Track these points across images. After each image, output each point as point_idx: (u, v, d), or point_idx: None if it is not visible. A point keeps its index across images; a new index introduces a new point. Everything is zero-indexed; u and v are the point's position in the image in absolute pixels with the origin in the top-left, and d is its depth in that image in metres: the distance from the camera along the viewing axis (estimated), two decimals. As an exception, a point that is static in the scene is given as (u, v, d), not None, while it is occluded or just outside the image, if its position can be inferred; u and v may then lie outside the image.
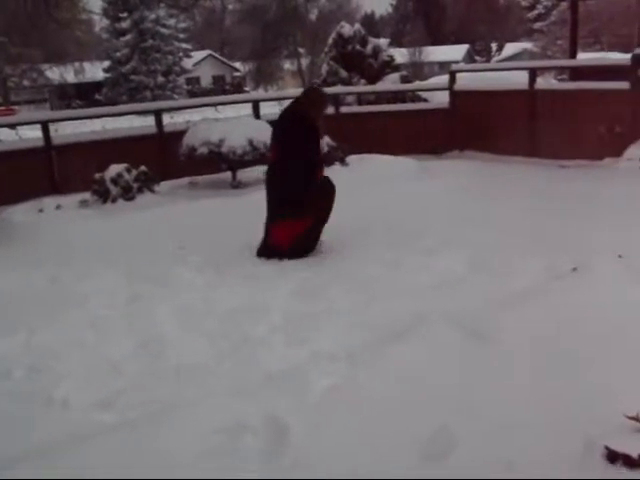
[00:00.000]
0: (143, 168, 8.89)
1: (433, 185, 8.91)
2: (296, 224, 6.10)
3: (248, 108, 11.98)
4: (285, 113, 6.52)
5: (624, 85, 10.05)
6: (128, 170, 8.72)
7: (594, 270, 5.01)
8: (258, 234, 6.37)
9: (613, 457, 2.81)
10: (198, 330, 4.56)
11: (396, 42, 51.95)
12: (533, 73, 11.25)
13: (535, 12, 48.37)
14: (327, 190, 6.28)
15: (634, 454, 2.78)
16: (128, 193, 8.61)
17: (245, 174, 9.93)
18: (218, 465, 3.02)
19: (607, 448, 2.84)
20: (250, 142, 9.35)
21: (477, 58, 53.79)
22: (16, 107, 40.71)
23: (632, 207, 7.16)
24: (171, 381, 3.88)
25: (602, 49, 30.31)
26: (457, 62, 39.80)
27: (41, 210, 8.27)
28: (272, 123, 6.74)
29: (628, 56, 10.63)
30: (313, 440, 3.16)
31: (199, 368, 4.00)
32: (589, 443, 2.91)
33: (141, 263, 6.22)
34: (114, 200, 8.52)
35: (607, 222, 6.54)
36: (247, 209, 7.96)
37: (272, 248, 6.16)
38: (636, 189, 7.99)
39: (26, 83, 41.25)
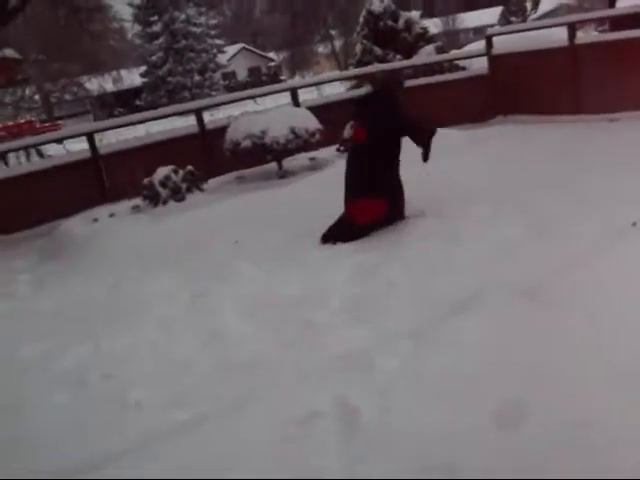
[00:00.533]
0: (189, 168, 8.98)
1: (480, 153, 8.76)
2: (379, 203, 6.26)
3: (287, 97, 11.96)
4: (372, 97, 6.76)
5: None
6: (175, 171, 8.82)
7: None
8: (309, 221, 6.38)
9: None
10: (262, 321, 4.61)
11: (428, 13, 51.18)
12: (572, 28, 10.95)
13: (568, -36, 47.10)
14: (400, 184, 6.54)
15: None
16: (177, 194, 8.71)
17: (290, 163, 9.94)
18: (295, 452, 3.05)
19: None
20: (292, 130, 9.36)
21: (512, 19, 52.64)
22: (60, 122, 41.57)
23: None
24: (239, 374, 3.92)
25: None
26: (492, 26, 39.03)
27: (96, 220, 8.43)
28: (357, 103, 6.93)
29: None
30: (384, 422, 3.16)
31: (266, 358, 4.05)
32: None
33: (199, 261, 6.30)
34: (165, 202, 8.62)
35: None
36: (296, 198, 8.01)
37: (350, 223, 6.26)
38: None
39: (67, 97, 41.96)
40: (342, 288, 4.95)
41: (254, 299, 5.06)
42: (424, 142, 6.37)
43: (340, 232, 6.24)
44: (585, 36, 14.05)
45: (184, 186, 8.81)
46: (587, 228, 5.15)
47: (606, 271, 4.27)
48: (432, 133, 6.45)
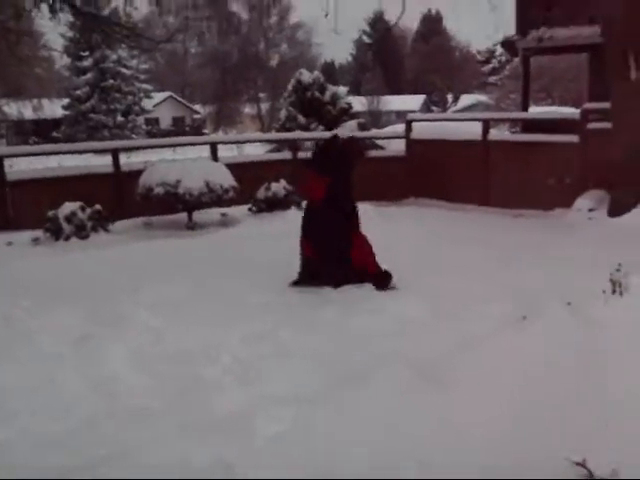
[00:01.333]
0: (97, 207, 8.84)
1: (390, 231, 8.98)
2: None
3: (206, 150, 12.01)
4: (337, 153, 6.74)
5: (574, 138, 10.39)
6: (82, 208, 8.66)
7: (543, 317, 5.10)
8: (213, 272, 6.33)
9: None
10: (151, 372, 4.50)
11: (355, 90, 52.84)
12: (486, 124, 11.56)
13: (490, 66, 49.78)
14: None
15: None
16: (82, 232, 8.54)
17: (200, 216, 9.92)
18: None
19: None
20: (207, 184, 9.39)
21: (434, 108, 54.93)
22: (-30, 143, 40.10)
23: (581, 255, 7.31)
24: (120, 424, 3.80)
25: (553, 103, 31.27)
26: (414, 112, 40.54)
27: (-9, 247, 8.14)
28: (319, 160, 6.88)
29: (578, 111, 11.00)
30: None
31: (149, 411, 3.95)
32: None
33: (95, 302, 6.11)
34: (67, 238, 8.43)
35: (556, 270, 6.68)
36: (201, 250, 7.97)
37: (356, 271, 6.38)
38: (585, 238, 8.19)
39: (-19, 119, 40.74)
40: (236, 346, 4.90)
41: (146, 348, 4.93)
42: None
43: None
44: (498, 134, 14.79)
45: (90, 224, 8.66)
46: (483, 314, 5.32)
47: (492, 356, 4.42)
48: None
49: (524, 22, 12.73)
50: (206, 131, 50.51)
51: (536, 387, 3.99)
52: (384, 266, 6.53)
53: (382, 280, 6.42)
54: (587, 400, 3.78)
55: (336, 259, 6.42)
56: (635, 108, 9.65)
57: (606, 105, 10.05)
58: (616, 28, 9.57)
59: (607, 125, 9.97)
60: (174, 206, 9.71)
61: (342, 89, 20.79)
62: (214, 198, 9.48)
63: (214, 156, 11.65)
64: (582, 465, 3.04)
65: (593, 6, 10.02)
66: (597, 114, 10.53)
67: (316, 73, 19.65)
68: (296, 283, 6.53)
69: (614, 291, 5.57)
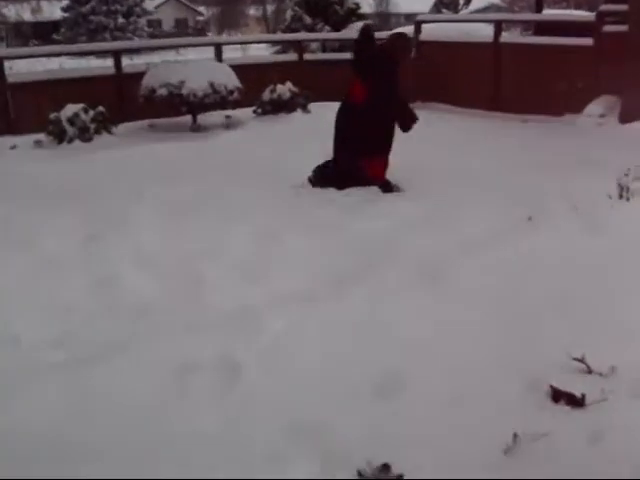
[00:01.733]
0: (101, 109, 8.72)
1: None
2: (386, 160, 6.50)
3: (211, 52, 11.74)
4: (374, 55, 6.55)
5: (588, 42, 10.08)
6: (85, 110, 8.55)
7: (549, 219, 5.10)
8: (216, 174, 6.29)
9: (557, 396, 2.89)
10: (156, 270, 4.53)
11: (363, -9, 51.20)
12: (498, 26, 11.22)
13: (504, -34, 48.03)
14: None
15: (578, 394, 2.87)
16: (85, 134, 8.45)
17: (205, 118, 9.80)
18: (169, 404, 3.03)
19: (552, 387, 2.93)
20: (211, 85, 9.22)
21: (444, 11, 53.31)
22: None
23: (589, 160, 7.21)
24: (124, 320, 3.85)
25: (569, 7, 30.33)
26: (424, 14, 39.37)
27: (-5, 149, 8.09)
28: (358, 62, 6.65)
29: (593, 14, 10.66)
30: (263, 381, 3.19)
31: (153, 307, 3.99)
32: (534, 382, 2.99)
33: (99, 204, 6.11)
34: (70, 141, 8.35)
35: (565, 174, 6.61)
36: (206, 153, 7.92)
37: (369, 181, 6.34)
38: (594, 144, 8.07)
39: (-19, 20, 39.80)
40: (240, 246, 4.91)
41: (149, 247, 4.95)
42: (408, 128, 6.49)
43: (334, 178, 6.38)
44: (510, 36, 14.40)
45: (93, 127, 8.57)
46: (488, 217, 5.32)
47: (493, 256, 4.45)
48: (415, 121, 6.53)
49: None
50: (210, 34, 49.36)
51: (535, 286, 4.02)
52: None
53: (388, 185, 6.39)
54: (589, 298, 3.82)
55: (354, 167, 6.40)
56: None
57: (624, 7, 9.71)
58: None
59: (624, 28, 9.67)
60: (178, 108, 9.56)
61: (350, -11, 20.06)
62: (218, 99, 9.32)
63: (218, 57, 11.40)
64: (581, 361, 3.08)
65: None
66: (614, 16, 10.18)
67: (322, -28, 18.98)
68: (309, 182, 6.52)
69: (621, 196, 5.55)
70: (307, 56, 12.37)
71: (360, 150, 6.40)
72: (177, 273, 4.49)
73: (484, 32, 11.54)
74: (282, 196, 6.21)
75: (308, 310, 3.79)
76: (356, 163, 6.41)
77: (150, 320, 3.82)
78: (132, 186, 6.63)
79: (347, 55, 12.78)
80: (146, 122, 9.88)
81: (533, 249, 4.58)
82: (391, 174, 6.57)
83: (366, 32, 6.74)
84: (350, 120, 6.51)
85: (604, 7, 10.55)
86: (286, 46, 16.85)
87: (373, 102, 6.33)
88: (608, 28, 10.06)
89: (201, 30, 50.24)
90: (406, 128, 6.49)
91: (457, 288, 4.02)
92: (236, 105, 9.83)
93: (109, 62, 10.91)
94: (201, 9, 56.51)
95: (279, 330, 3.60)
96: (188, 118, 9.73)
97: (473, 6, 51.60)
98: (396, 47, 6.69)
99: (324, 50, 14.74)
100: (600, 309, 3.68)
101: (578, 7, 29.02)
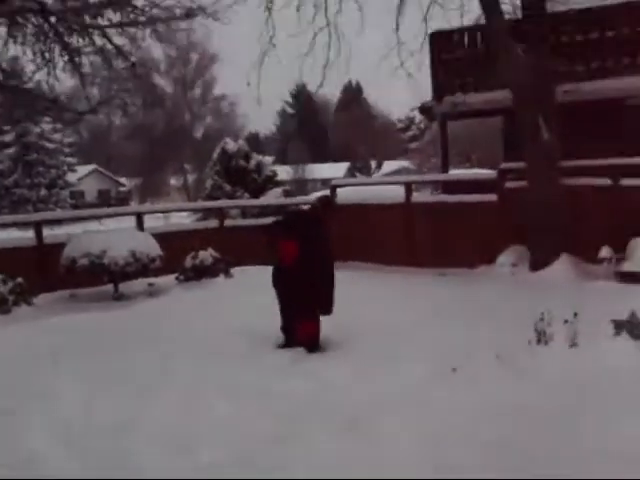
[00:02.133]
0: (19, 280, 8.61)
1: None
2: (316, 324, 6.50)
3: (133, 221, 11.90)
4: (304, 215, 7.11)
5: (492, 197, 10.76)
6: (4, 281, 8.42)
7: (473, 369, 5.20)
8: (135, 343, 6.18)
9: None
10: (78, 447, 4.33)
11: (280, 160, 53.53)
12: (409, 187, 11.86)
13: (410, 133, 51.28)
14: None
15: None
16: (3, 306, 8.28)
17: (128, 286, 9.76)
18: None
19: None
20: (133, 253, 9.28)
21: (358, 175, 55.97)
22: None
23: (507, 308, 7.46)
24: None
25: (472, 166, 32.36)
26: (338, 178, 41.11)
27: None
28: (285, 224, 6.92)
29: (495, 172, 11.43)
30: None
31: None
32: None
33: (13, 377, 5.87)
34: (-13, 314, 8.16)
35: (485, 323, 6.80)
36: (124, 321, 7.82)
37: (298, 344, 6.36)
38: (508, 293, 8.40)
39: None
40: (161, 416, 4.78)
41: (69, 421, 4.75)
42: (327, 312, 6.53)
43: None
44: (420, 196, 15.18)
45: (11, 298, 8.41)
46: (414, 370, 5.37)
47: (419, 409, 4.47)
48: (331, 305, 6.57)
49: (439, 88, 13.20)
50: (132, 203, 50.08)
51: (455, 443, 4.03)
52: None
53: (312, 345, 6.44)
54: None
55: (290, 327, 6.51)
56: (547, 167, 10.11)
57: (521, 164, 10.48)
58: (526, 94, 10.07)
59: (523, 183, 10.39)
60: (100, 277, 9.54)
61: (268, 158, 21.11)
62: (140, 267, 9.36)
63: (140, 226, 11.56)
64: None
65: (503, 73, 10.52)
66: (513, 173, 10.96)
67: (240, 142, 19.92)
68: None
69: (539, 340, 5.74)
70: (228, 222, 12.68)
71: (293, 311, 6.51)
72: (100, 448, 4.30)
73: (398, 193, 12.12)
74: (206, 360, 6.12)
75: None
76: (291, 324, 6.52)
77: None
78: (48, 358, 6.40)
79: (269, 220, 13.24)
80: (67, 292, 9.77)
81: (455, 402, 4.63)
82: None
83: (325, 201, 7.21)
84: (282, 282, 6.59)
85: (504, 165, 11.37)
86: (207, 213, 17.25)
87: (302, 264, 6.41)
88: (510, 184, 10.80)
89: (124, 200, 50.98)
90: (325, 311, 6.53)
91: (377, 448, 3.99)
92: (159, 273, 9.88)
93: (30, 233, 10.89)
94: (123, 180, 57.65)
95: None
96: (110, 287, 9.70)
97: (385, 169, 54.51)
98: (320, 204, 7.01)
99: (244, 216, 15.16)
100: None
101: (481, 165, 30.95)
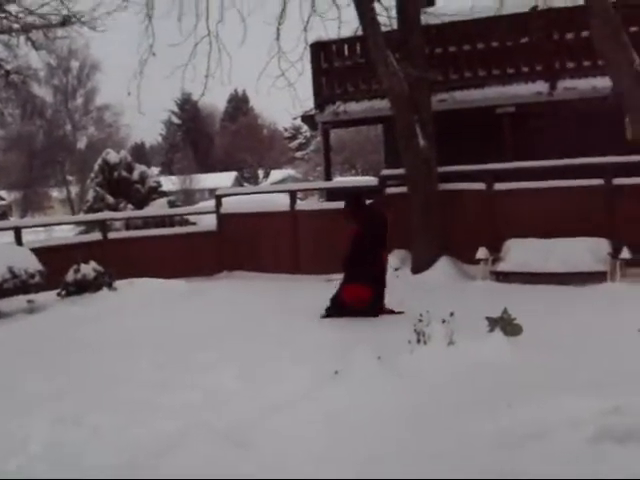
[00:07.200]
0: None
1: (202, 304, 9.03)
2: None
3: (11, 236, 11.41)
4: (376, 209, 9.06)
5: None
6: None
7: (354, 371, 5.32)
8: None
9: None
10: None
11: (167, 170, 52.73)
12: (293, 195, 11.99)
13: (297, 142, 51.82)
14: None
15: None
16: None
17: (6, 304, 9.37)
18: None
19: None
20: (10, 269, 8.93)
21: (245, 184, 55.97)
22: None
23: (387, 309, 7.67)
24: None
25: (357, 173, 33.09)
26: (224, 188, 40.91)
27: None
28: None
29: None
30: None
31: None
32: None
33: None
34: None
35: (368, 325, 6.97)
36: (5, 340, 7.54)
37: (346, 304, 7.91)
38: (392, 294, 8.59)
39: None
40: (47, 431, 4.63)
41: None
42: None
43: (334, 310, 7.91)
44: (305, 203, 15.39)
45: None
46: (295, 375, 5.44)
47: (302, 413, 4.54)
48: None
49: (321, 97, 13.42)
50: (12, 218, 47.99)
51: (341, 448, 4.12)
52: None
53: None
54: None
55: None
56: (425, 173, 10.48)
57: (401, 171, 10.80)
58: (402, 102, 10.40)
59: (404, 189, 10.70)
60: (-26, 295, 9.11)
61: (153, 169, 20.83)
62: (19, 284, 9.01)
63: (19, 241, 11.12)
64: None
65: (381, 83, 10.81)
66: (394, 180, 11.27)
67: (123, 152, 19.53)
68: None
69: (419, 340, 5.93)
70: (111, 235, 12.41)
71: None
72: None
73: (285, 201, 12.23)
74: (91, 379, 5.98)
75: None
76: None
77: None
78: None
79: (153, 232, 13.04)
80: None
81: (339, 405, 4.73)
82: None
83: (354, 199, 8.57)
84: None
85: (385, 172, 11.70)
86: (91, 226, 16.81)
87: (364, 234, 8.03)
88: (392, 190, 11.12)
89: (2, 215, 48.77)
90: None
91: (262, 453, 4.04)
92: (40, 288, 9.52)
93: None
94: (2, 193, 55.18)
95: None
96: (-14, 305, 9.27)
97: (272, 178, 54.75)
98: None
99: (127, 228, 14.87)
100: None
101: (365, 173, 31.68)
